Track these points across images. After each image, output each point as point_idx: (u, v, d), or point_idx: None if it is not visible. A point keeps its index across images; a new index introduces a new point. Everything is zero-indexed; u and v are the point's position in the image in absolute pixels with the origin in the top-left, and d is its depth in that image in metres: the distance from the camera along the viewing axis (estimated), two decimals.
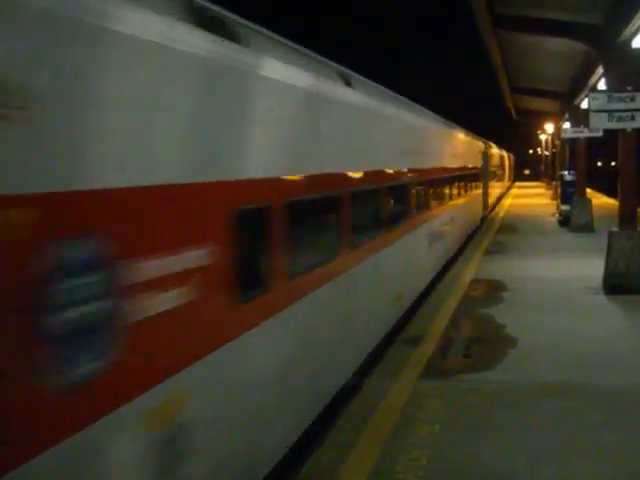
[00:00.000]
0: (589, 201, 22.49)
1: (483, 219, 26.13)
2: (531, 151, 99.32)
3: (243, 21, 5.09)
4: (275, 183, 5.26)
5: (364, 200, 8.24)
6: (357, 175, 7.76)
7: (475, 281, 13.16)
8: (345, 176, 7.29)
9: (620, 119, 11.08)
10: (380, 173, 8.97)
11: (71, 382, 2.95)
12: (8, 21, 2.66)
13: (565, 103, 25.56)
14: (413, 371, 7.62)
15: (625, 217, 11.84)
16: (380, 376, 7.51)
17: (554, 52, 18.04)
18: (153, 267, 3.56)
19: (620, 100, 11.02)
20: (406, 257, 10.75)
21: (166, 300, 3.66)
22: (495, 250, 17.81)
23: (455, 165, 17.08)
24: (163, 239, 3.70)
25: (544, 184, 60.57)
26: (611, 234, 11.85)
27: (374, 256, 8.45)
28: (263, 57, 5.21)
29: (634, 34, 11.02)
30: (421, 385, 7.17)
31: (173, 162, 3.87)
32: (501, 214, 30.62)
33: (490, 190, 30.12)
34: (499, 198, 40.63)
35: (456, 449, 5.60)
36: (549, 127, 38.12)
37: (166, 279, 3.67)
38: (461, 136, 19.61)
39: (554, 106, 29.49)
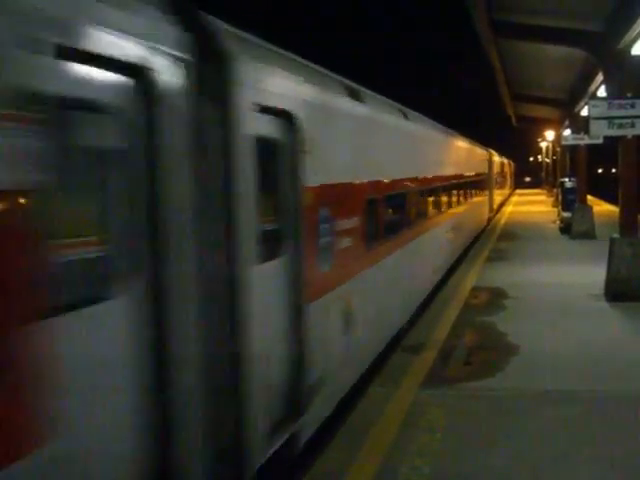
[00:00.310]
0: (590, 208, 22.49)
1: (490, 219, 30.02)
2: (532, 158, 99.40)
3: (361, 88, 8.69)
4: (380, 184, 8.82)
5: (422, 196, 12.26)
6: (415, 179, 11.52)
7: (476, 288, 13.15)
8: (411, 180, 11.09)
9: (620, 126, 11.08)
10: (429, 179, 12.92)
11: (325, 270, 6.24)
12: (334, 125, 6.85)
13: (565, 110, 25.58)
14: (414, 379, 7.61)
15: (626, 224, 11.83)
16: (382, 384, 7.50)
17: (554, 59, 18.06)
18: (345, 223, 6.95)
19: (620, 107, 11.03)
20: (442, 240, 14.94)
21: (349, 240, 7.05)
22: (496, 257, 17.81)
23: (472, 172, 21.70)
24: (347, 209, 7.15)
25: (545, 191, 60.57)
26: (612, 241, 11.84)
27: (426, 234, 12.54)
28: (374, 109, 8.98)
29: (633, 41, 11.03)
30: (422, 393, 7.16)
31: (348, 172, 7.36)
32: (502, 221, 30.62)
33: (494, 196, 33.23)
34: (501, 204, 40.89)
35: (458, 457, 5.58)
36: (549, 134, 38.14)
37: (349, 230, 7.07)
38: (475, 148, 24.29)
39: (554, 113, 29.51)
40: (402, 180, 10.24)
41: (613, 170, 73.50)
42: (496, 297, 12.24)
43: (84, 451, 3.02)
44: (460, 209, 18.34)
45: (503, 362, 8.21)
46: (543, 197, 54.15)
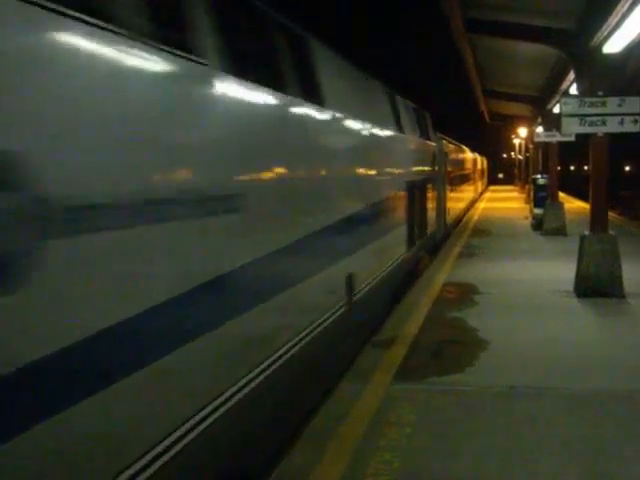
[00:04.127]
0: (561, 205, 22.67)
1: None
2: (505, 155, 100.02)
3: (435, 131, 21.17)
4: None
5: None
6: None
7: (448, 284, 13.20)
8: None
9: (592, 124, 11.16)
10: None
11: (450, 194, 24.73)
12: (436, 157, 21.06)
13: (538, 107, 25.74)
14: (385, 375, 7.62)
15: (596, 221, 11.93)
16: (351, 380, 7.51)
17: (527, 57, 18.15)
18: (455, 183, 27.12)
19: (591, 105, 11.11)
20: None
21: (456, 188, 27.30)
22: (468, 253, 17.89)
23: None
24: (455, 180, 26.79)
25: (518, 188, 60.99)
26: (582, 238, 11.94)
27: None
28: (442, 143, 22.01)
29: (605, 40, 11.09)
30: (392, 388, 7.17)
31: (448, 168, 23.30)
32: (475, 217, 30.76)
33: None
34: (473, 201, 40.96)
35: (427, 451, 5.60)
36: (522, 131, 38.36)
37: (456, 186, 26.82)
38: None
39: (527, 110, 29.69)
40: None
41: (585, 167, 74.10)
42: (467, 293, 12.30)
43: None
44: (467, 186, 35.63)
45: (473, 357, 8.25)
46: (516, 194, 54.51)
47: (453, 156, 27.71)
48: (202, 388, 4.63)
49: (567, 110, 11.23)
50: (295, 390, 6.61)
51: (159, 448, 3.97)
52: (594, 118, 11.11)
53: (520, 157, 59.93)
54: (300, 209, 7.08)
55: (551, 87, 21.48)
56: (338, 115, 8.65)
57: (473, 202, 40.99)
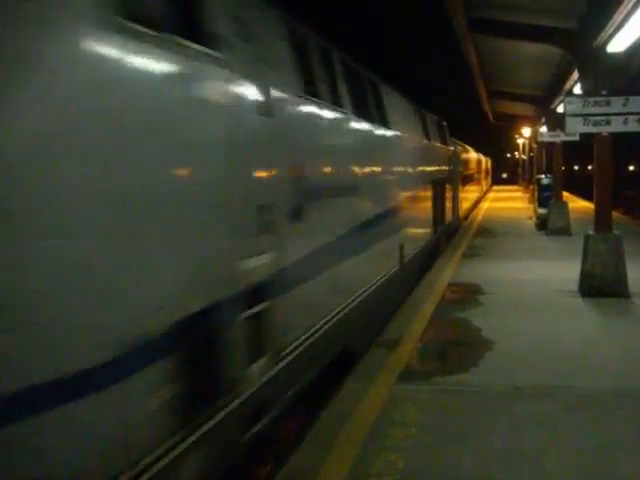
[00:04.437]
0: (566, 204, 22.65)
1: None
2: (508, 155, 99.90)
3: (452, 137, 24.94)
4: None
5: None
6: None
7: (452, 284, 13.20)
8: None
9: (596, 123, 11.15)
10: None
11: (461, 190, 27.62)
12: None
13: (542, 107, 25.71)
14: (390, 374, 7.62)
15: (600, 220, 11.92)
16: (357, 379, 7.51)
17: (530, 57, 18.15)
18: (466, 182, 31.77)
19: (595, 104, 11.09)
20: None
21: (466, 187, 31.56)
22: (472, 253, 17.89)
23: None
24: (466, 179, 31.52)
25: (521, 188, 60.93)
26: (587, 237, 11.93)
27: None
28: (457, 147, 26.66)
29: (608, 39, 11.09)
30: (397, 388, 7.17)
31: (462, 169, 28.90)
32: (479, 218, 30.75)
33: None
34: (477, 201, 41.36)
35: (432, 451, 5.60)
36: (526, 131, 38.32)
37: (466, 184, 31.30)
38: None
39: (531, 110, 29.67)
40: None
41: (589, 167, 73.98)
42: (472, 293, 12.30)
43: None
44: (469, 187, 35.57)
45: (478, 358, 8.25)
46: (519, 193, 54.47)
47: (464, 157, 30.92)
48: (343, 298, 8.44)
49: (571, 110, 11.22)
50: (376, 305, 10.24)
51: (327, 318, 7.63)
52: (598, 118, 11.09)
53: (524, 157, 59.90)
54: (382, 193, 11.37)
55: (555, 87, 21.48)
56: (400, 134, 13.19)
57: (479, 199, 43.96)
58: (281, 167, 6.01)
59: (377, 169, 11.05)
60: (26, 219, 3.07)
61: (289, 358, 6.10)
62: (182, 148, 4.33)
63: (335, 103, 8.36)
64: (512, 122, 42.26)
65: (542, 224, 23.26)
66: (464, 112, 58.36)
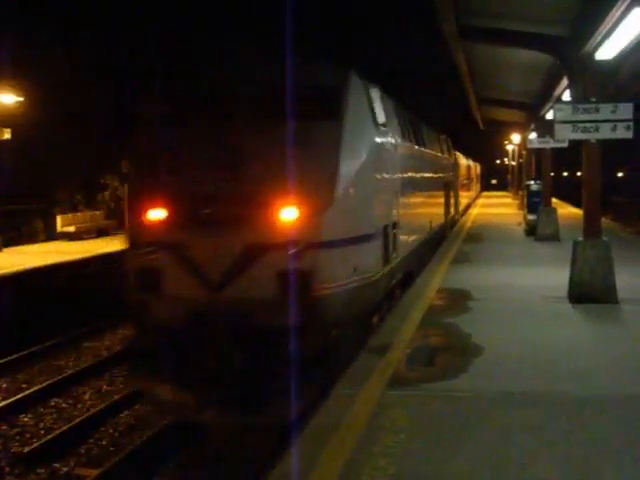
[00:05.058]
0: (555, 211, 22.74)
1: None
2: (498, 161, 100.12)
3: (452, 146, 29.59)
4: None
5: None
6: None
7: (441, 290, 13.21)
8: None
9: (585, 130, 11.20)
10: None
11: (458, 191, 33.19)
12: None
13: (531, 113, 25.84)
14: (379, 380, 7.63)
15: (589, 227, 11.96)
16: (346, 385, 7.51)
17: (520, 64, 18.22)
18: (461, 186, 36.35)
19: (585, 111, 11.14)
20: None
21: (459, 188, 34.11)
22: (462, 259, 17.92)
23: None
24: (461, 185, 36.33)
25: (511, 194, 61.13)
26: (576, 244, 11.96)
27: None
28: (456, 156, 31.98)
29: (597, 46, 11.13)
30: (387, 394, 7.18)
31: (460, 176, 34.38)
32: (468, 224, 30.81)
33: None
34: (467, 206, 41.95)
35: (421, 458, 5.61)
36: (516, 137, 38.49)
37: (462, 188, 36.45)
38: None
39: (520, 116, 29.81)
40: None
41: (578, 173, 74.17)
42: (461, 299, 12.31)
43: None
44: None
45: (467, 363, 8.26)
46: (509, 199, 54.66)
47: (461, 164, 36.58)
48: (414, 242, 15.35)
49: (560, 116, 11.27)
50: (421, 248, 16.85)
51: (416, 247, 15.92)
52: (587, 124, 11.14)
53: (513, 163, 60.11)
54: (431, 188, 19.38)
55: (544, 94, 21.56)
56: (433, 152, 20.72)
57: (472, 201, 50.38)
58: (403, 173, 13.15)
59: (428, 174, 18.57)
60: (367, 202, 10.15)
61: (400, 258, 12.81)
62: (402, 170, 13.25)
63: (411, 140, 15.15)
64: (502, 128, 42.44)
65: (531, 230, 23.32)
66: (454, 118, 58.50)
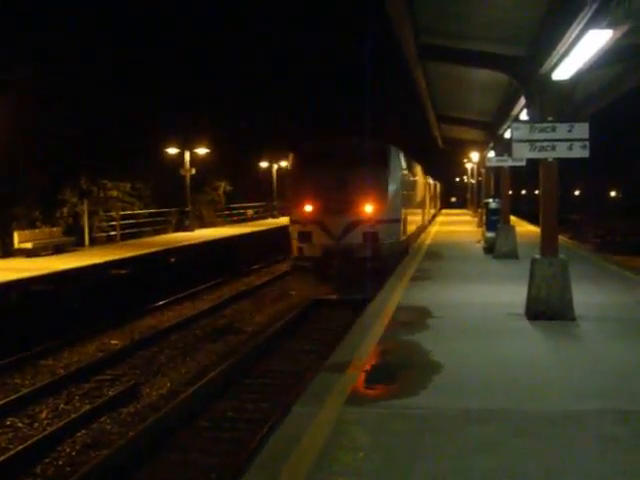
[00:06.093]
0: (513, 228, 22.97)
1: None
2: (458, 179, 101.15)
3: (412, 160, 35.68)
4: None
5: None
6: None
7: (401, 308, 13.24)
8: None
9: (542, 149, 11.34)
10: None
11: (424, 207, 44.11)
12: None
13: (490, 132, 26.11)
14: (338, 398, 7.59)
15: (547, 244, 12.09)
16: (305, 403, 7.47)
17: (479, 83, 18.43)
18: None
19: (542, 130, 11.28)
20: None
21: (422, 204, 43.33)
22: (421, 277, 17.98)
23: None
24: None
25: (470, 211, 61.66)
26: (533, 261, 12.07)
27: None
28: (426, 177, 44.61)
29: (554, 67, 11.30)
30: (346, 412, 7.15)
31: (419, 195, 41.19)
32: (427, 242, 30.97)
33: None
34: (434, 215, 48.32)
35: (380, 476, 5.58)
36: (475, 156, 38.92)
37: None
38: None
39: (479, 135, 30.10)
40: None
41: (536, 192, 75.07)
42: (421, 316, 12.35)
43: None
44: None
45: (426, 381, 8.26)
46: (468, 217, 55.07)
47: (428, 184, 46.89)
48: (412, 229, 29.42)
49: (518, 135, 11.40)
50: (415, 235, 31.14)
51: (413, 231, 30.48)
52: (544, 143, 11.28)
53: (473, 181, 60.71)
54: (419, 203, 35.22)
55: (503, 113, 21.81)
56: (418, 179, 34.30)
57: (436, 212, 62.39)
58: (407, 193, 26.65)
59: (415, 191, 30.23)
60: (398, 204, 24.30)
61: (407, 235, 26.29)
62: (417, 191, 32.19)
63: (410, 173, 28.66)
64: (461, 147, 42.82)
65: (490, 248, 23.50)
66: (413, 136, 59.07)
